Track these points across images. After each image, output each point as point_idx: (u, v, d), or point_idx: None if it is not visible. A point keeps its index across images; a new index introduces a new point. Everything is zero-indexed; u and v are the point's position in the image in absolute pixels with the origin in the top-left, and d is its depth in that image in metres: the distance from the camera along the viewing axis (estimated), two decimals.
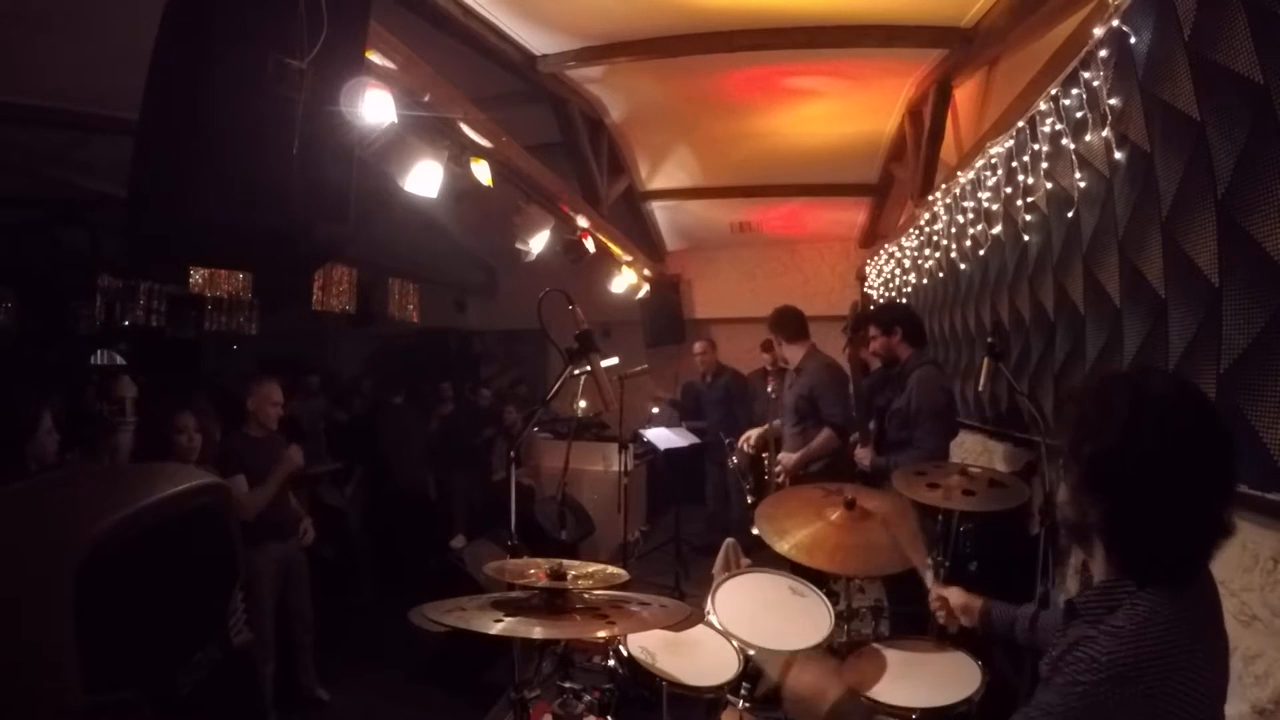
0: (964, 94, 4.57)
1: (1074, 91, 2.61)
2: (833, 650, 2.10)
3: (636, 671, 2.18)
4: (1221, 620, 1.16)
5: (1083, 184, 2.69)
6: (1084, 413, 1.16)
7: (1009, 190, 3.34)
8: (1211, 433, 1.09)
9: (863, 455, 3.51)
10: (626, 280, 6.70)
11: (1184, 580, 1.08)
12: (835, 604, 2.62)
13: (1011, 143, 3.24)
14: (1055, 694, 1.06)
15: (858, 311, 4.15)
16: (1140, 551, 1.09)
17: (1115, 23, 2.30)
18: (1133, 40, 2.27)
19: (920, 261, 5.20)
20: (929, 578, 2.13)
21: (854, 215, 7.57)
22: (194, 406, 3.85)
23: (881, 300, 6.81)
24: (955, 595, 1.91)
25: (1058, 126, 2.77)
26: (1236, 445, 1.11)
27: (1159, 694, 1.00)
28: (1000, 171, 3.42)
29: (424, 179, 3.20)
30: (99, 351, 9.76)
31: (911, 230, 5.26)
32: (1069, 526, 1.21)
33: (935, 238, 4.68)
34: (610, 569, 1.90)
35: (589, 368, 2.41)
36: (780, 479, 4.01)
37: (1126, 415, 1.09)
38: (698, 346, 6.88)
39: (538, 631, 1.57)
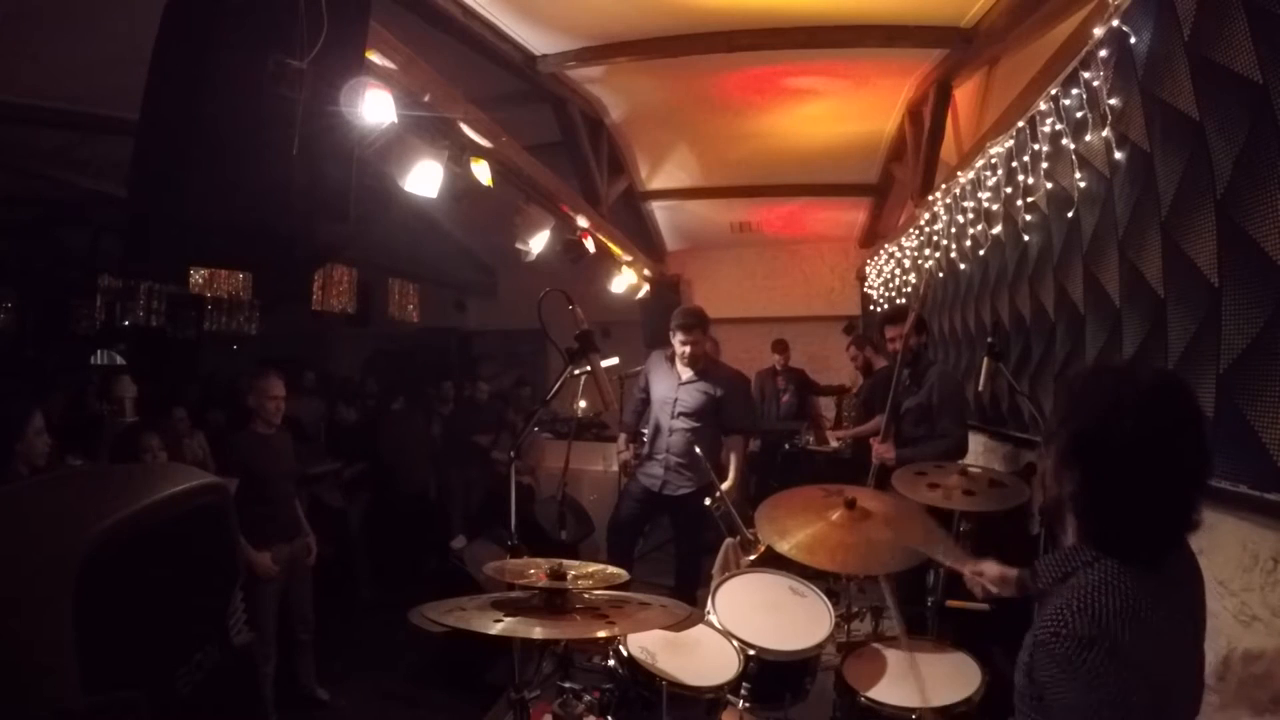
0: (964, 94, 4.57)
1: (1074, 91, 2.61)
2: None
3: (636, 671, 2.18)
4: (1192, 610, 1.19)
5: (1083, 184, 2.70)
6: (1071, 396, 1.23)
7: (1009, 190, 3.34)
8: (1187, 427, 1.14)
9: (884, 451, 3.54)
10: (626, 280, 6.69)
11: (1144, 559, 1.12)
12: (835, 604, 2.62)
13: (1011, 143, 3.24)
14: (1045, 689, 1.09)
15: (913, 307, 4.09)
16: (1106, 525, 1.15)
17: (1115, 23, 2.30)
18: (1133, 40, 2.27)
19: (920, 261, 5.20)
20: (958, 559, 2.00)
21: (854, 215, 7.57)
22: (160, 426, 3.91)
23: (886, 301, 6.81)
24: (991, 568, 1.85)
25: (1058, 126, 2.77)
26: (1211, 443, 1.16)
27: (1117, 648, 1.03)
28: (1000, 171, 3.42)
29: (424, 179, 3.20)
30: (99, 351, 9.77)
31: (911, 230, 5.26)
32: (1048, 503, 1.26)
33: (935, 238, 4.68)
34: (610, 569, 1.90)
35: (589, 368, 2.41)
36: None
37: (1109, 399, 1.15)
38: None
39: (538, 631, 1.57)
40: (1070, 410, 1.21)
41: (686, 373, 4.12)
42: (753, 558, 3.40)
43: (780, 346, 7.13)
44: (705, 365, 4.17)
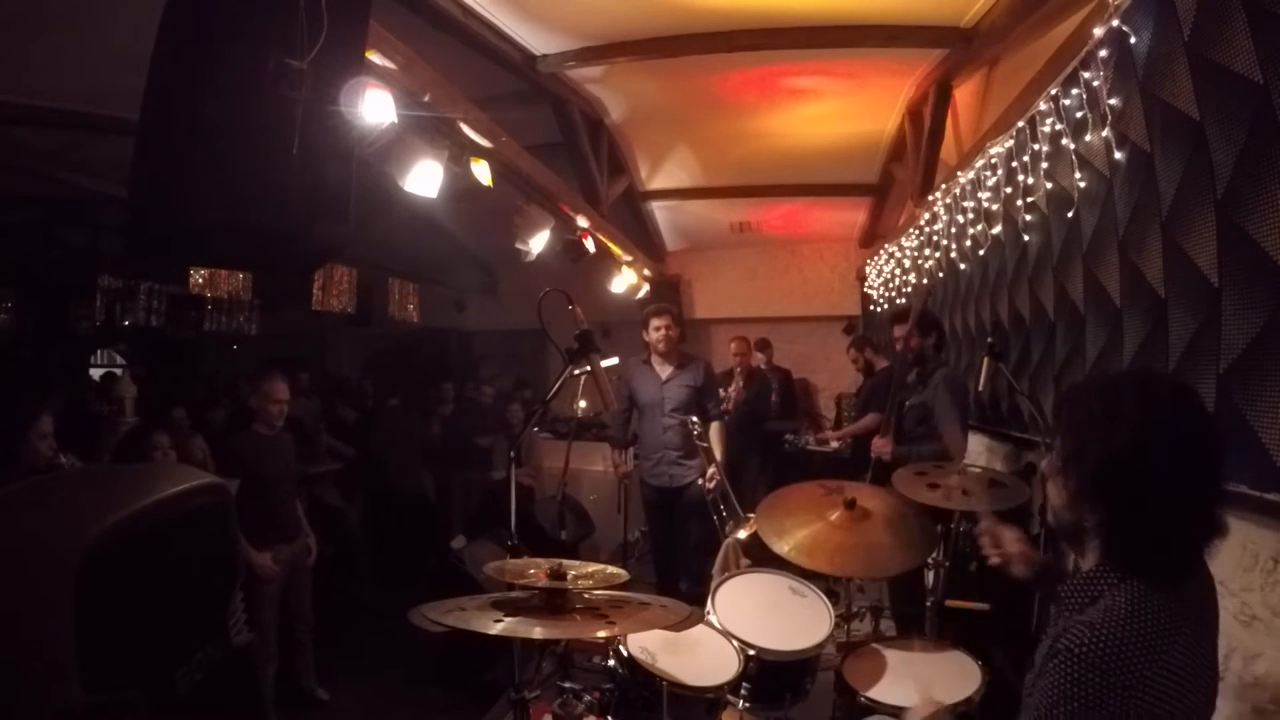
0: (964, 94, 4.57)
1: (1074, 91, 2.61)
2: None
3: (636, 671, 2.18)
4: (1212, 619, 1.17)
5: (1083, 184, 2.69)
6: (1088, 417, 1.15)
7: (1009, 190, 3.34)
8: (1210, 437, 1.11)
9: (882, 445, 3.57)
10: (626, 280, 6.69)
11: (1173, 576, 1.09)
12: (835, 604, 2.62)
13: (1011, 143, 3.24)
14: (1041, 693, 1.07)
15: (919, 306, 4.18)
16: (1138, 552, 1.10)
17: (1115, 23, 2.30)
18: (1133, 40, 2.27)
19: (920, 261, 5.20)
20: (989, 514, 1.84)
21: (854, 215, 7.56)
22: (168, 424, 4.08)
23: (886, 301, 6.81)
24: (1012, 541, 1.64)
25: (1058, 126, 2.77)
26: (1226, 445, 1.13)
27: (1135, 684, 1.00)
28: (1000, 171, 3.42)
29: (424, 179, 3.20)
30: (99, 351, 9.77)
31: (911, 230, 5.26)
32: (1063, 529, 1.21)
33: (935, 238, 4.68)
34: (610, 569, 1.90)
35: (589, 368, 2.41)
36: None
37: (1135, 423, 1.08)
38: (735, 346, 6.58)
39: (538, 631, 1.57)
40: (1088, 437, 1.13)
41: (666, 370, 4.32)
42: (743, 534, 3.48)
43: (763, 344, 7.13)
44: (680, 357, 4.35)
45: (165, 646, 1.23)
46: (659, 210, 7.56)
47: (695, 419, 4.03)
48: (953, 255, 4.35)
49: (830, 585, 3.01)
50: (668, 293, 8.13)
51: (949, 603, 2.76)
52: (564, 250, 5.06)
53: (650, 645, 2.24)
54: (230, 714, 1.43)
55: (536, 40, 4.07)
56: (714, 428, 4.22)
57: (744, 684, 2.26)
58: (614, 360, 4.52)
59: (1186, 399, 1.13)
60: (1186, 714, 1.03)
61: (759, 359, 7.05)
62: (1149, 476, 1.07)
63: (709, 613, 2.44)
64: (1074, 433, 1.17)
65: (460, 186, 3.56)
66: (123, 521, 1.14)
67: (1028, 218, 3.28)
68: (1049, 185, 3.01)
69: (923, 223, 4.87)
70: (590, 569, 1.87)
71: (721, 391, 4.70)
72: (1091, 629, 1.04)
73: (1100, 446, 1.10)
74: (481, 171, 3.54)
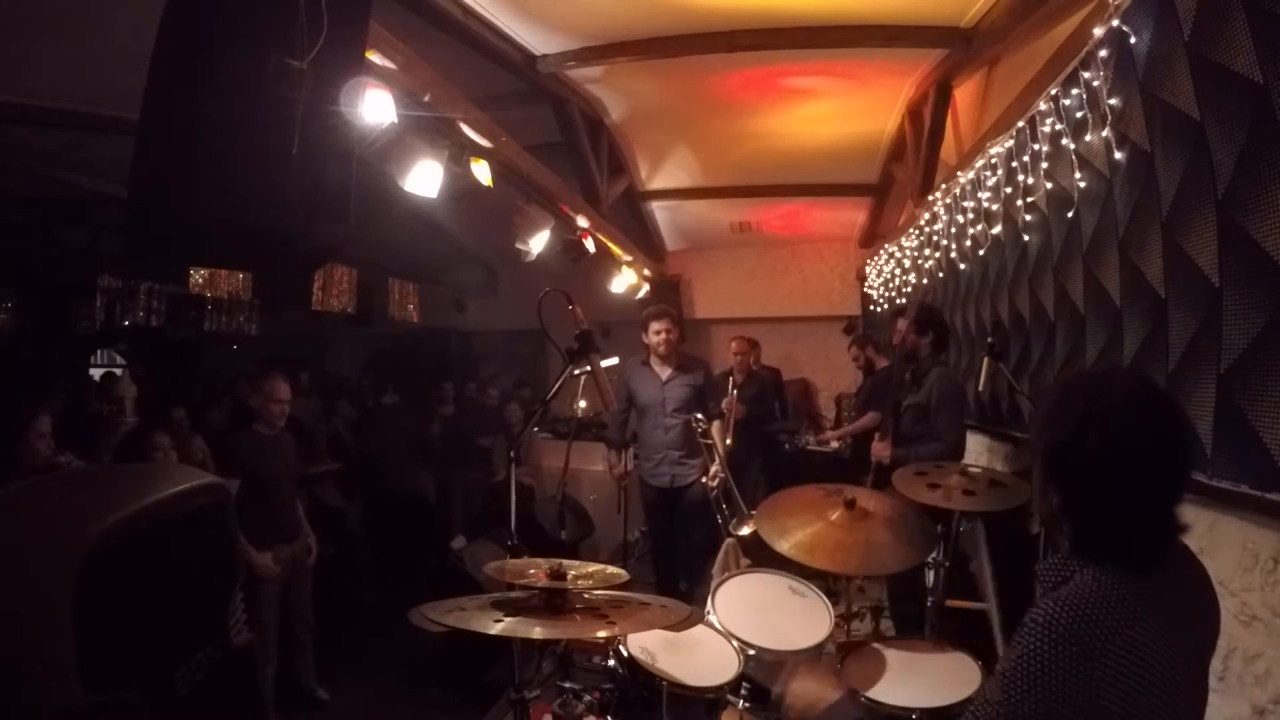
0: (964, 94, 4.57)
1: (1074, 91, 2.61)
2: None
3: (636, 671, 2.18)
4: (1194, 614, 1.19)
5: (1083, 184, 2.69)
6: (1048, 409, 1.24)
7: (1009, 190, 3.34)
8: (1160, 435, 1.15)
9: (881, 449, 3.55)
10: (626, 280, 6.69)
11: (1138, 565, 1.13)
12: (835, 604, 2.62)
13: (1011, 143, 3.24)
14: (1007, 660, 1.11)
15: (920, 304, 4.22)
16: (1090, 535, 1.16)
17: (1115, 23, 2.30)
18: (1133, 40, 2.27)
19: (920, 261, 5.20)
20: None
21: (854, 215, 7.56)
22: (168, 424, 4.14)
23: (886, 301, 6.82)
24: None
25: (1058, 126, 2.77)
26: (1188, 449, 1.18)
27: (1095, 654, 1.03)
28: (1000, 171, 3.42)
29: (424, 179, 3.20)
30: (99, 351, 9.77)
31: (911, 230, 5.26)
32: (1041, 516, 1.28)
33: (935, 238, 4.68)
34: (610, 569, 1.90)
35: (589, 368, 2.41)
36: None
37: (1080, 412, 1.15)
38: (735, 345, 6.56)
39: (538, 631, 1.57)
40: (1044, 424, 1.22)
41: (666, 371, 4.35)
42: (746, 530, 3.49)
43: (752, 344, 7.12)
44: (680, 358, 4.38)
45: (165, 646, 1.23)
46: (659, 210, 7.56)
47: (700, 415, 4.06)
48: (953, 255, 4.35)
49: (830, 585, 3.01)
50: (668, 293, 8.11)
51: (949, 603, 2.76)
52: (564, 250, 5.06)
53: (650, 645, 2.24)
54: (230, 714, 1.43)
55: (536, 40, 4.08)
56: (715, 425, 4.27)
57: (744, 684, 2.26)
58: (614, 360, 4.53)
59: (1141, 395, 1.18)
60: (1149, 693, 1.04)
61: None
62: (1086, 463, 1.13)
63: (709, 613, 2.44)
64: (1034, 423, 1.28)
65: (460, 186, 3.56)
66: (123, 521, 1.14)
67: (1028, 218, 3.28)
68: (1049, 185, 3.01)
69: (923, 223, 4.87)
70: (590, 569, 1.87)
71: (724, 407, 4.71)
72: (1057, 602, 1.09)
73: (1049, 434, 1.20)
74: (481, 171, 3.54)
